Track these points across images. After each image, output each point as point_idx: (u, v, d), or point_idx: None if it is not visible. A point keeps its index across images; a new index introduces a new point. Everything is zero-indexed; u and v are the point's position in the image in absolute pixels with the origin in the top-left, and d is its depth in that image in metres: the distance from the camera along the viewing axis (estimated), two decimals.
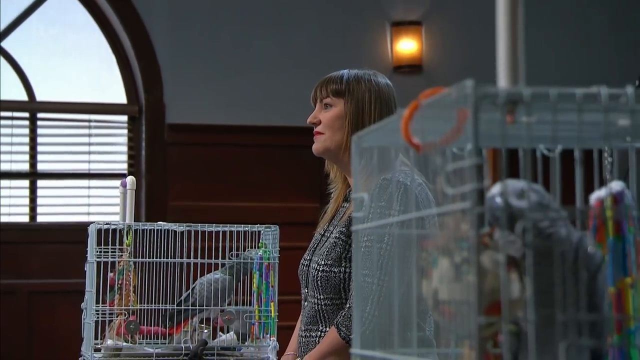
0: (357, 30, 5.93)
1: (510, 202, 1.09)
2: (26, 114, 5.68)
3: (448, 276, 1.07)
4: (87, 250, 2.66)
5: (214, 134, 5.71)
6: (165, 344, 2.66)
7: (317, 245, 2.49)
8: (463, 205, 1.02)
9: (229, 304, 2.71)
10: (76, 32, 5.83)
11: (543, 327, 1.06)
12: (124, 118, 5.81)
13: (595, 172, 1.18)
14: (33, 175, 5.67)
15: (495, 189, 1.10)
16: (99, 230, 2.61)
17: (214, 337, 2.67)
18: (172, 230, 2.70)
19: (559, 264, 1.07)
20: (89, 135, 5.75)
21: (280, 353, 2.64)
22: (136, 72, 5.75)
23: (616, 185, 1.16)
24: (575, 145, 1.12)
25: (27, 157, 5.67)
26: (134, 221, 2.73)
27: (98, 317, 2.58)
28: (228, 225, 2.70)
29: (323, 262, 2.40)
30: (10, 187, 5.65)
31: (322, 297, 2.40)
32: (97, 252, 2.60)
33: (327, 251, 2.41)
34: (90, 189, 5.72)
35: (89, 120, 5.74)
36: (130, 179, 2.75)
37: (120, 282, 2.63)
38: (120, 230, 2.63)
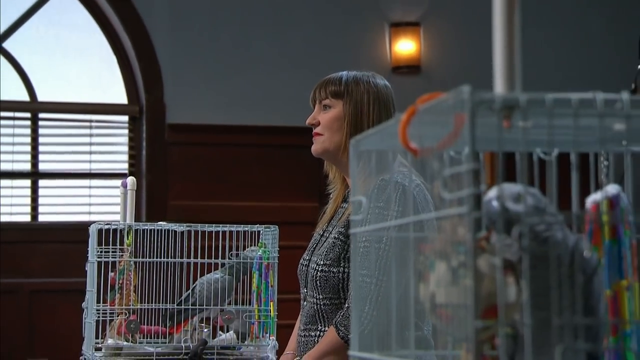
0: (356, 30, 5.94)
1: (507, 205, 1.09)
2: (28, 114, 5.69)
3: (445, 280, 1.07)
4: (88, 250, 2.66)
5: (214, 134, 5.71)
6: (166, 343, 2.66)
7: (316, 246, 2.49)
8: (460, 210, 1.03)
9: (229, 304, 2.71)
10: (77, 33, 5.83)
11: (539, 330, 1.07)
12: (125, 118, 5.81)
13: (592, 175, 1.19)
14: (34, 175, 5.68)
15: (492, 192, 1.11)
16: (100, 230, 2.61)
17: (214, 337, 2.67)
18: (172, 230, 2.70)
19: (555, 267, 1.08)
20: (90, 135, 5.76)
21: (279, 352, 2.65)
22: (137, 72, 5.75)
23: (612, 188, 1.16)
24: (571, 149, 1.12)
25: (28, 157, 5.67)
26: (135, 221, 2.73)
27: (99, 317, 2.58)
28: (228, 225, 2.70)
29: (322, 262, 2.41)
30: (12, 187, 5.66)
31: (321, 296, 2.41)
32: (97, 252, 2.60)
33: (326, 251, 2.42)
34: (91, 189, 5.73)
35: (90, 121, 5.75)
36: (130, 180, 2.75)
37: (120, 281, 2.63)
38: (120, 231, 2.63)
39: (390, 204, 2.24)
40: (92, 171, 5.76)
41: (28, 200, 5.68)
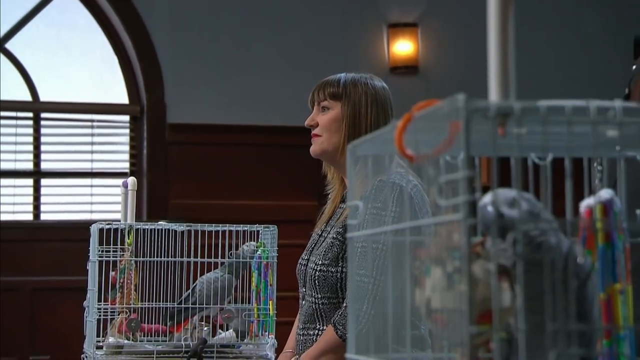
0: (355, 31, 5.94)
1: (501, 211, 1.10)
2: (30, 114, 5.69)
3: (440, 285, 1.08)
4: (89, 249, 2.67)
5: (214, 133, 5.72)
6: (166, 341, 2.66)
7: (314, 245, 2.50)
8: (455, 217, 1.04)
9: (229, 303, 2.72)
10: (79, 34, 5.83)
11: (533, 334, 1.08)
12: (126, 118, 5.82)
13: (585, 180, 1.19)
14: (37, 174, 5.69)
15: (487, 198, 1.11)
16: (101, 230, 2.62)
17: (214, 335, 2.67)
18: (172, 230, 2.70)
19: (548, 272, 1.08)
20: (92, 135, 5.76)
21: (278, 350, 2.65)
22: (137, 72, 5.76)
23: (605, 193, 1.17)
24: (565, 154, 1.13)
25: (31, 156, 5.67)
26: (136, 219, 2.73)
27: (100, 315, 2.59)
28: (227, 225, 2.71)
29: (320, 262, 2.42)
30: (14, 186, 5.67)
31: (319, 296, 2.42)
32: (99, 251, 2.61)
33: (325, 251, 2.43)
34: (92, 188, 5.74)
35: (92, 120, 5.75)
36: (131, 180, 2.75)
37: (121, 280, 2.64)
38: (121, 230, 2.64)
39: (388, 204, 2.25)
40: (94, 170, 5.76)
41: (30, 199, 5.69)
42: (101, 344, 2.60)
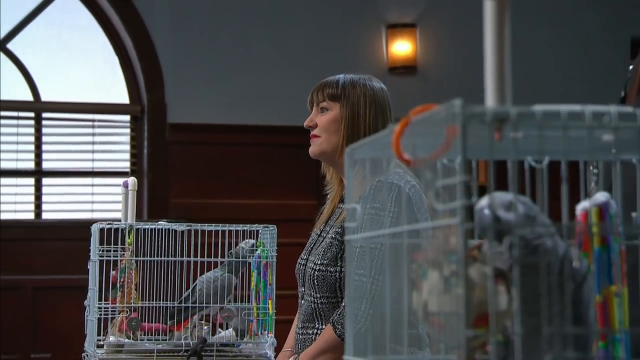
0: (354, 32, 5.95)
1: (498, 214, 1.10)
2: (31, 114, 5.71)
3: (437, 288, 1.09)
4: (90, 248, 2.67)
5: (214, 133, 5.72)
6: (166, 340, 2.66)
7: (313, 245, 2.50)
8: (452, 221, 1.04)
9: (229, 302, 2.72)
10: (80, 34, 5.84)
11: (530, 336, 1.08)
12: (127, 118, 5.83)
13: (582, 183, 1.20)
14: (38, 174, 5.70)
15: (484, 201, 1.11)
16: (102, 230, 2.62)
17: (214, 334, 2.68)
18: (172, 230, 2.71)
19: (544, 275, 1.09)
20: (93, 135, 5.78)
21: (277, 349, 2.66)
22: (138, 72, 5.77)
23: (601, 196, 1.17)
24: (561, 158, 1.13)
25: (32, 155, 5.69)
26: (136, 218, 2.73)
27: (101, 314, 2.59)
28: (227, 225, 2.71)
29: (319, 262, 2.42)
30: (16, 185, 5.68)
31: (318, 295, 2.43)
32: (99, 251, 2.61)
33: (323, 251, 2.43)
34: (93, 187, 5.75)
35: (93, 120, 5.77)
36: (131, 180, 2.75)
37: (122, 280, 2.64)
38: (122, 230, 2.64)
39: (386, 205, 2.26)
40: (95, 169, 5.78)
41: (32, 198, 5.70)
42: (102, 342, 2.60)
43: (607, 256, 1.15)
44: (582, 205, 1.17)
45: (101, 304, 2.62)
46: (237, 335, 2.69)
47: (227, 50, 5.78)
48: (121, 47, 5.80)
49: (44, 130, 5.72)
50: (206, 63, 5.75)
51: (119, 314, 2.64)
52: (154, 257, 2.71)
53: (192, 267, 2.67)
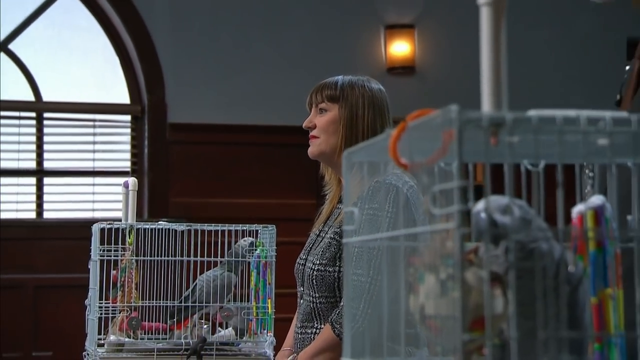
0: (353, 32, 5.96)
1: (494, 217, 1.11)
2: (33, 114, 5.72)
3: (434, 292, 1.09)
4: (91, 248, 2.68)
5: (214, 133, 5.73)
6: (166, 339, 2.66)
7: (312, 245, 2.51)
8: (448, 226, 1.04)
9: (229, 301, 2.73)
10: (81, 34, 5.85)
11: (526, 339, 1.08)
12: (127, 117, 5.84)
13: (577, 186, 1.21)
14: (39, 173, 5.71)
15: (480, 205, 1.11)
16: (102, 230, 2.63)
17: (213, 333, 2.68)
18: (172, 230, 2.71)
19: (540, 278, 1.09)
20: (94, 134, 5.79)
21: (277, 348, 2.67)
22: (139, 72, 5.78)
23: (596, 199, 1.17)
24: (557, 161, 1.14)
25: (33, 155, 5.70)
26: (137, 217, 2.74)
27: (101, 314, 2.60)
28: (227, 225, 2.72)
29: (318, 262, 2.43)
30: (17, 185, 5.69)
31: (317, 295, 2.43)
32: (100, 250, 2.62)
33: (322, 251, 2.44)
34: (94, 186, 5.77)
35: (94, 120, 5.78)
36: (132, 180, 2.76)
37: (122, 279, 2.64)
38: (122, 230, 2.65)
39: (384, 205, 2.27)
40: (96, 169, 5.80)
41: (33, 198, 5.72)
42: (102, 341, 2.61)
43: (603, 259, 1.15)
44: (578, 209, 1.17)
45: (102, 303, 2.63)
46: (236, 334, 2.69)
47: (227, 50, 5.79)
48: (122, 48, 5.82)
49: (45, 130, 5.73)
50: (206, 63, 5.76)
51: (120, 313, 2.65)
52: (154, 256, 2.71)
53: (192, 266, 2.67)
